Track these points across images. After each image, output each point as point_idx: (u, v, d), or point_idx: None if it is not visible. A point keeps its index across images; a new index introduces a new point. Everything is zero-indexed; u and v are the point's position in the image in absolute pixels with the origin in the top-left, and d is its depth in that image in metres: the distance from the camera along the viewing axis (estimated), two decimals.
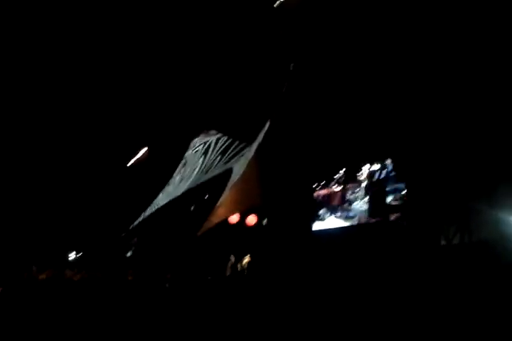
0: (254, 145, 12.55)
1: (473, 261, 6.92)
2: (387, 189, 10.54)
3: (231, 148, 13.78)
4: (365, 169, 11.38)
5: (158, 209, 13.71)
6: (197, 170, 14.29)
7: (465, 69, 8.86)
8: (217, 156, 14.04)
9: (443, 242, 8.60)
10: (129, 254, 13.20)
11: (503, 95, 8.19)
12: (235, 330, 7.20)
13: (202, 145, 14.75)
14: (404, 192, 10.20)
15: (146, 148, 13.89)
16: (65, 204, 12.96)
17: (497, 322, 5.50)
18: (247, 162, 12.45)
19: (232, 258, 12.38)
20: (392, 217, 10.09)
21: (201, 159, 14.43)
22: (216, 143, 14.27)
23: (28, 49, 11.75)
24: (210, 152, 14.29)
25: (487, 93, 8.52)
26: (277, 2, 10.92)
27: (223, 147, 14.02)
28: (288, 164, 11.88)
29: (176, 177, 14.48)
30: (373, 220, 10.51)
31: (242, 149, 13.47)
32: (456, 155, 8.99)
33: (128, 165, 13.55)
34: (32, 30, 11.44)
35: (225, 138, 14.05)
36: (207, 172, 14.08)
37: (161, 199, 14.08)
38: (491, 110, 8.40)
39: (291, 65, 11.78)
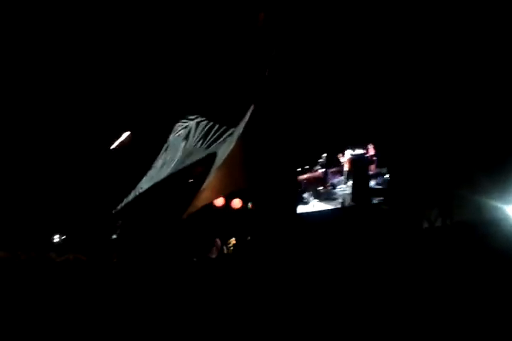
0: (238, 130, 12.60)
1: (456, 242, 7.21)
2: (370, 173, 10.82)
3: (212, 132, 13.75)
4: (348, 153, 11.62)
5: (141, 193, 13.71)
6: (178, 154, 14.26)
7: (441, 59, 9.10)
8: (198, 141, 14.01)
9: (425, 225, 8.92)
10: (113, 237, 13.23)
11: (484, 86, 8.44)
12: (222, 315, 7.35)
13: (183, 130, 14.69)
14: (386, 177, 10.50)
15: (129, 132, 13.80)
16: (49, 187, 12.86)
17: (480, 303, 5.78)
18: (231, 146, 12.50)
19: (218, 242, 12.54)
20: (375, 201, 10.39)
21: (182, 143, 14.39)
22: (196, 127, 14.21)
23: None
24: (191, 136, 14.24)
25: (468, 84, 8.77)
26: None
27: (204, 131, 13.98)
28: (272, 148, 12.00)
29: (159, 161, 14.44)
30: (356, 204, 10.79)
31: (223, 133, 13.48)
32: (438, 140, 9.27)
33: (111, 148, 13.47)
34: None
35: (205, 122, 14.02)
36: (188, 156, 14.06)
37: (144, 183, 14.07)
38: (473, 98, 8.66)
39: (274, 50, 11.82)
